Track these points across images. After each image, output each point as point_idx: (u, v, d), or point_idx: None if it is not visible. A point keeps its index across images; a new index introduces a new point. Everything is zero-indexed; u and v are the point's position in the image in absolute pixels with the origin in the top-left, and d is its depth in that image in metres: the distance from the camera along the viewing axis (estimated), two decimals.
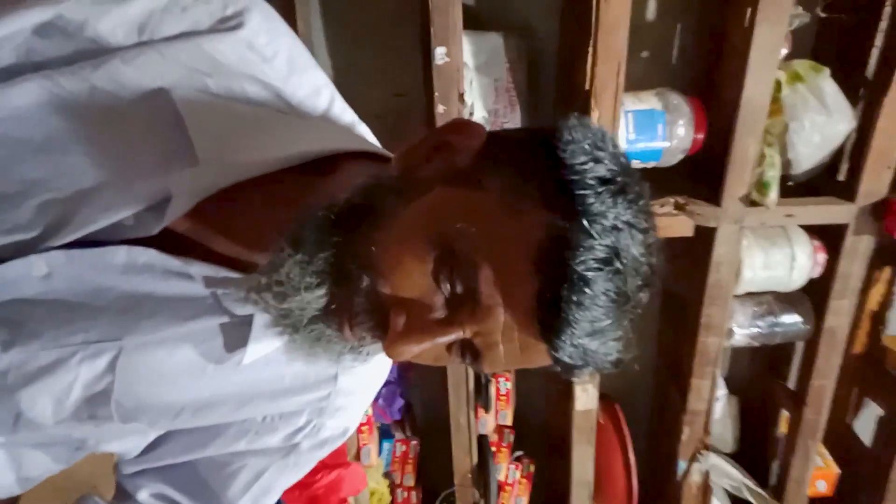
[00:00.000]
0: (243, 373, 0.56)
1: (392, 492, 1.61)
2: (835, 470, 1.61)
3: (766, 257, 1.30)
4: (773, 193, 1.20)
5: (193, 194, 0.48)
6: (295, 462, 0.64)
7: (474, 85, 1.21)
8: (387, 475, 1.60)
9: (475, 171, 0.46)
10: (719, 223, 1.24)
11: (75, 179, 0.49)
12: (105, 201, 0.48)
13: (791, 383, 1.58)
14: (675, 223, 1.23)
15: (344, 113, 0.60)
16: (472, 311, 0.44)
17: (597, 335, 0.42)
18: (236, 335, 0.54)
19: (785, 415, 1.61)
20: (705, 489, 1.57)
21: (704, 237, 1.26)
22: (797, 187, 1.33)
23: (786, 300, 1.40)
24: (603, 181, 0.42)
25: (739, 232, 1.25)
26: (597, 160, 0.42)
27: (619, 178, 0.43)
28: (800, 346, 1.55)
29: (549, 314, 0.41)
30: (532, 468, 1.66)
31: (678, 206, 1.25)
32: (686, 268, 1.39)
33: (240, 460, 0.63)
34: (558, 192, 0.42)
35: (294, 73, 0.56)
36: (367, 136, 0.62)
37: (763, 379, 1.68)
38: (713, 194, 1.24)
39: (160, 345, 0.53)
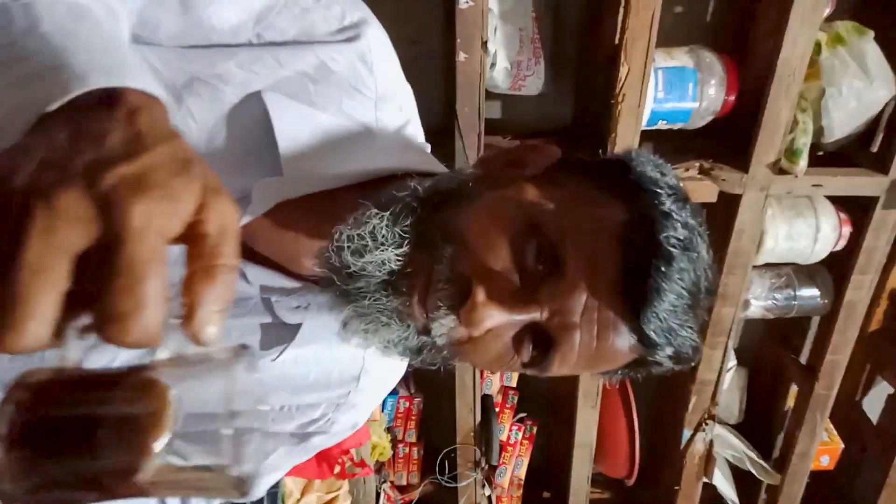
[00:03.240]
0: (271, 367, 0.57)
1: (394, 446, 1.62)
2: (839, 445, 1.60)
3: (791, 228, 1.26)
4: (803, 161, 1.16)
5: (270, 200, 0.49)
6: (303, 449, 0.66)
7: (498, 33, 1.15)
8: (389, 430, 1.60)
9: (553, 176, 0.51)
10: (745, 190, 1.20)
11: None
12: None
13: (803, 357, 1.56)
14: (699, 188, 1.19)
15: (415, 131, 0.63)
16: (554, 288, 0.45)
17: (678, 313, 0.45)
18: (274, 335, 0.55)
19: (793, 389, 1.59)
20: (708, 459, 1.57)
21: (728, 204, 1.22)
22: (825, 157, 1.29)
23: (806, 273, 1.36)
24: (671, 187, 0.47)
25: (765, 200, 1.21)
26: (663, 173, 0.48)
27: (682, 192, 0.48)
28: (814, 320, 1.52)
29: (634, 287, 0.44)
30: (534, 430, 1.65)
31: (703, 171, 1.20)
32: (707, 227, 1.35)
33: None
34: (630, 193, 0.47)
35: (389, 90, 0.57)
36: (428, 151, 0.65)
37: (773, 351, 1.66)
38: (740, 160, 1.19)
39: None
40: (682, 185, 0.49)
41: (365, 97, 0.56)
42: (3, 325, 0.24)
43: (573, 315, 0.45)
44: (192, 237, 0.28)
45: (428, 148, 0.65)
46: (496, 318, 0.45)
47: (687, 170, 1.20)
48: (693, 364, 0.50)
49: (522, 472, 1.68)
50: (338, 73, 0.54)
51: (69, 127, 0.28)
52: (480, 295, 0.45)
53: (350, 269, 0.48)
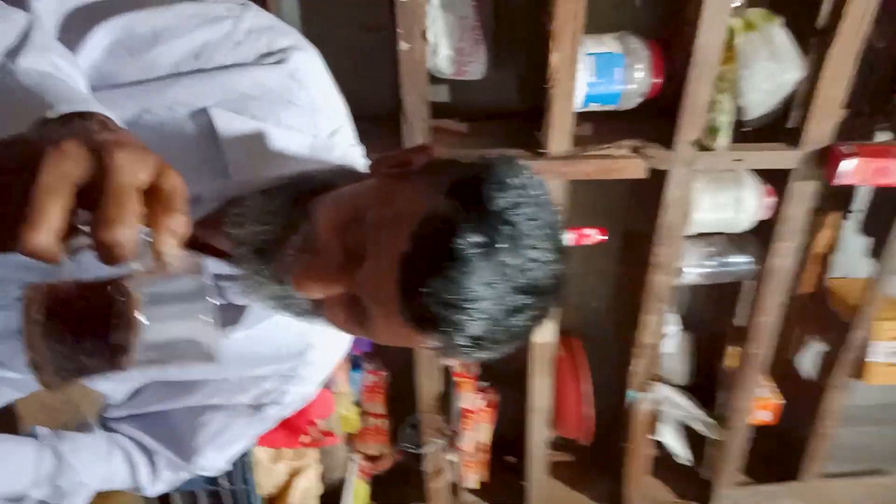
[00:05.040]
0: (227, 345, 0.66)
1: (363, 419, 1.70)
2: (779, 401, 1.72)
3: (714, 199, 1.36)
4: (723, 138, 1.26)
5: (217, 200, 0.60)
6: (260, 420, 0.75)
7: (439, 22, 1.23)
8: (357, 404, 1.69)
9: (408, 173, 0.55)
10: (671, 166, 1.29)
11: None
12: None
13: (740, 320, 1.67)
14: (630, 165, 1.28)
15: (347, 135, 0.69)
16: (360, 272, 0.51)
17: (476, 315, 0.47)
18: (229, 316, 0.65)
19: (734, 349, 1.70)
20: (653, 418, 1.67)
21: (658, 179, 1.32)
22: (751, 133, 1.38)
23: (736, 241, 1.47)
24: (512, 203, 0.48)
25: (691, 175, 1.31)
26: (515, 174, 0.50)
27: (526, 203, 0.49)
28: (747, 286, 1.63)
29: (409, 277, 0.48)
30: (497, 397, 1.75)
31: (634, 149, 1.29)
32: (641, 208, 1.45)
33: (210, 414, 0.73)
34: (466, 189, 0.49)
35: (320, 100, 0.65)
36: (359, 157, 0.71)
37: (715, 315, 1.77)
38: (667, 138, 1.29)
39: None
40: (538, 185, 0.51)
41: (300, 108, 0.63)
42: (23, 226, 0.34)
43: (374, 297, 0.51)
44: (153, 194, 0.38)
45: (358, 150, 0.71)
46: (316, 287, 0.52)
47: (619, 148, 1.29)
48: (507, 351, 0.53)
49: (486, 438, 1.77)
50: (272, 90, 0.62)
51: (62, 126, 0.41)
52: (302, 267, 0.52)
53: (236, 239, 0.57)
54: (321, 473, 1.64)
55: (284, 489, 1.48)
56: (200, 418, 0.73)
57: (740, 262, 1.47)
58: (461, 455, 1.75)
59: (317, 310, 0.57)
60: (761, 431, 1.77)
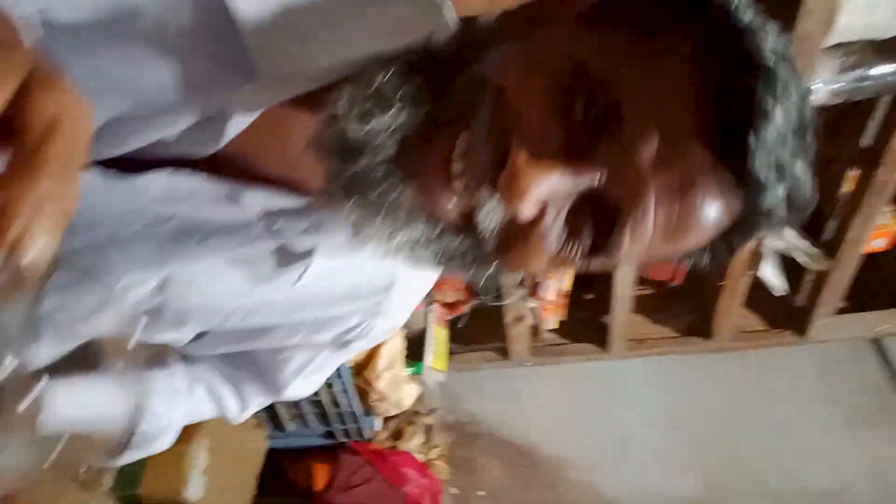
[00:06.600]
0: (294, 289, 0.53)
1: None
2: None
3: None
4: None
5: (251, 111, 0.42)
6: (345, 352, 0.65)
7: None
8: None
9: (599, 12, 0.39)
10: None
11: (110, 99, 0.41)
12: (142, 122, 0.42)
13: (864, 141, 1.44)
14: None
15: None
16: (612, 142, 0.36)
17: (788, 142, 0.35)
18: (289, 258, 0.51)
19: (851, 173, 1.49)
20: (756, 252, 1.54)
21: None
22: None
23: (880, 48, 1.19)
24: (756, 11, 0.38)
25: None
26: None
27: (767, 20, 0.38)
28: (881, 103, 1.37)
29: (723, 116, 0.35)
30: None
31: None
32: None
33: (290, 351, 0.63)
34: (696, 12, 0.38)
35: None
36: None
37: (833, 135, 1.53)
38: None
39: (208, 270, 0.50)
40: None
41: None
42: None
43: (641, 173, 0.35)
44: (14, 133, 0.23)
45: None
46: (544, 185, 0.35)
47: None
48: (807, 214, 0.39)
49: (566, 285, 1.69)
50: None
51: None
52: (522, 154, 0.35)
53: (350, 141, 0.39)
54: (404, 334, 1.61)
55: (370, 356, 1.46)
56: (281, 356, 0.64)
57: (884, 72, 1.20)
58: (542, 302, 1.68)
59: (506, 243, 0.40)
60: (870, 259, 1.62)
